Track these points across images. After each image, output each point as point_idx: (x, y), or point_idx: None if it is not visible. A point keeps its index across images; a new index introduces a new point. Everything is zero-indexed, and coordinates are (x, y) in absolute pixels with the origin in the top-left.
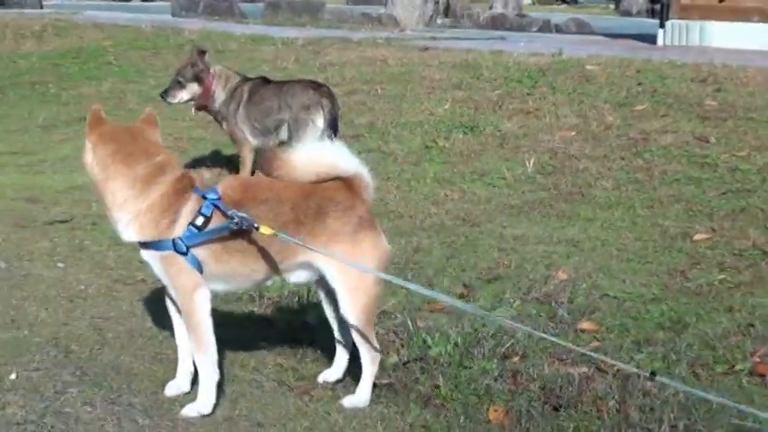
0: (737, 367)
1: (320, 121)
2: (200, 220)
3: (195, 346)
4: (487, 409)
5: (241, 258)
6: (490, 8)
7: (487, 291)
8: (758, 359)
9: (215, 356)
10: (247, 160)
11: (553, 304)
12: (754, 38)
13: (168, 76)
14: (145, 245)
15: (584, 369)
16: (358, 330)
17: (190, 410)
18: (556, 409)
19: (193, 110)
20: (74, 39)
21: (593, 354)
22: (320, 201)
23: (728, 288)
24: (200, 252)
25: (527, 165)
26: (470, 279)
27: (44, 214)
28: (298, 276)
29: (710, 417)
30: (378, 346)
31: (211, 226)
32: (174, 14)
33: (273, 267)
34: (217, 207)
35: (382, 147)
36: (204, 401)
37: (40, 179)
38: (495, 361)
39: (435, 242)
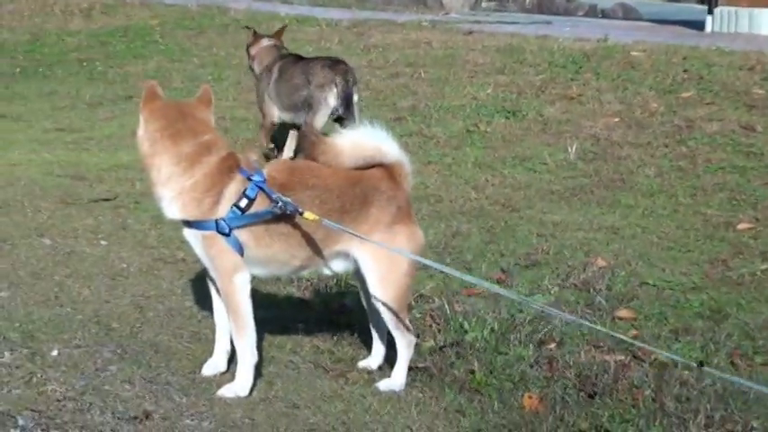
0: None
1: (332, 99)
2: (243, 202)
3: (234, 328)
4: (522, 396)
5: (283, 243)
6: None
7: (526, 277)
8: None
9: (254, 339)
10: (262, 135)
11: (591, 291)
12: None
13: (212, 55)
14: (188, 223)
15: (621, 357)
16: (391, 317)
17: (227, 391)
18: (591, 397)
19: None
20: (121, 17)
21: (633, 341)
22: (365, 189)
23: (747, 279)
24: (242, 234)
25: (569, 151)
26: (509, 264)
27: (89, 192)
28: (335, 266)
29: (747, 408)
30: (412, 331)
31: (256, 209)
32: None
33: (314, 254)
34: (262, 189)
35: (424, 130)
36: (242, 383)
37: (86, 156)
38: (531, 347)
39: (474, 227)
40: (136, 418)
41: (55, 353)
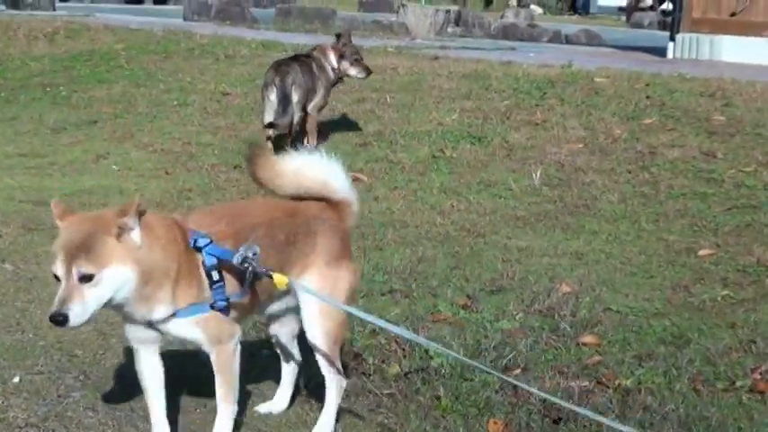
0: (738, 384)
1: (273, 96)
2: (215, 275)
3: (224, 393)
4: (487, 422)
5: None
6: (501, 18)
7: (491, 302)
8: (759, 376)
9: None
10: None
11: (556, 317)
12: (764, 53)
13: (178, 80)
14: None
15: (585, 383)
16: (325, 355)
17: None
18: (555, 423)
19: None
20: (86, 41)
21: None
22: (307, 218)
23: (731, 304)
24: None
25: (533, 176)
26: (474, 290)
27: (52, 217)
28: (279, 306)
29: None
30: (343, 374)
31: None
32: (185, 18)
33: (266, 295)
34: (217, 257)
35: (390, 156)
36: None
37: (49, 182)
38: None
39: (440, 252)
40: None
41: (16, 379)
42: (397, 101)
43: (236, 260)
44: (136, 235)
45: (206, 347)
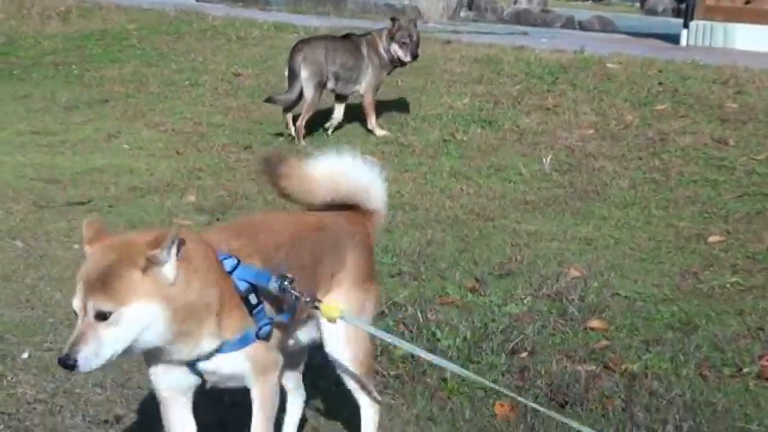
0: (745, 370)
1: (286, 73)
2: (253, 299)
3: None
4: (493, 404)
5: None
6: (514, 3)
7: (499, 286)
8: (766, 362)
9: None
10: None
11: (564, 301)
12: None
13: (190, 60)
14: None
15: (592, 367)
16: (358, 378)
17: None
18: (562, 406)
19: None
20: (98, 21)
21: None
22: (335, 233)
23: (740, 291)
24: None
25: (544, 161)
26: (482, 273)
27: (62, 195)
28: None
29: (716, 419)
30: (378, 397)
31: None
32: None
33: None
34: (252, 284)
35: (400, 139)
36: None
37: (60, 160)
38: (504, 356)
39: (449, 235)
40: (107, 421)
41: (26, 355)
42: (408, 84)
43: (272, 287)
44: (169, 269)
45: (250, 382)
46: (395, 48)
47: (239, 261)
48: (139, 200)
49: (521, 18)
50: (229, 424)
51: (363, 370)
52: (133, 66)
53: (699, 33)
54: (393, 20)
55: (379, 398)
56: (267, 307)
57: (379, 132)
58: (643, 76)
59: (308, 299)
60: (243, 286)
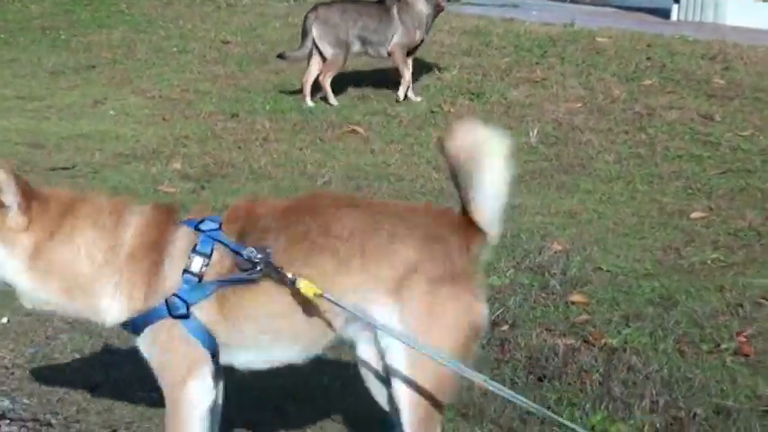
0: (723, 346)
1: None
2: (197, 264)
3: None
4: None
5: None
6: None
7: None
8: (744, 339)
9: None
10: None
11: (546, 275)
12: (766, 17)
13: (178, 27)
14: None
15: (572, 341)
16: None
17: None
18: (540, 380)
19: None
20: None
21: None
22: (395, 223)
23: (721, 267)
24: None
25: (530, 134)
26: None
27: (47, 160)
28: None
29: (692, 394)
30: None
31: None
32: None
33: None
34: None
35: (388, 109)
36: None
37: (46, 125)
38: None
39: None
40: (85, 387)
41: (5, 320)
42: None
43: (245, 253)
44: (13, 215)
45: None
46: None
47: (220, 225)
48: (124, 166)
49: None
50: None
51: (423, 414)
52: (121, 32)
53: (689, 8)
54: None
55: None
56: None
57: (414, 98)
58: (632, 50)
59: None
60: (205, 246)
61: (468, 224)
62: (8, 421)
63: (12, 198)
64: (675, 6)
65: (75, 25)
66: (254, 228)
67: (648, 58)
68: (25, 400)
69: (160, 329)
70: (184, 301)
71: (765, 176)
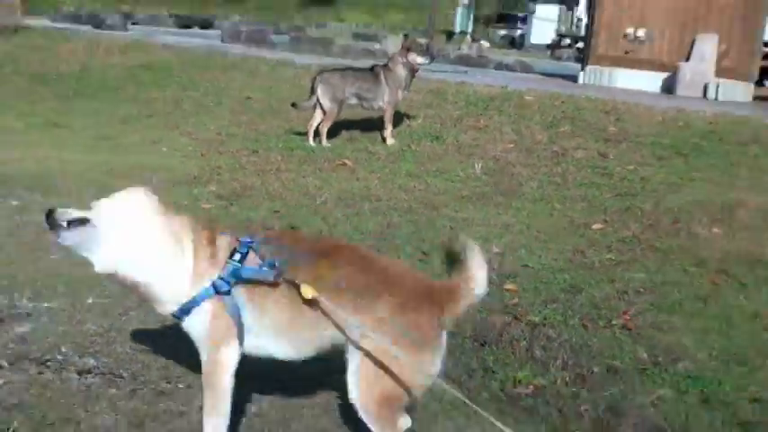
0: (613, 322)
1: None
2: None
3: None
4: None
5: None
6: (458, 49)
7: (440, 257)
8: (628, 317)
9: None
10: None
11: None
12: (645, 82)
13: (215, 87)
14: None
15: (506, 318)
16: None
17: None
18: (482, 345)
19: None
20: (148, 55)
21: None
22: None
23: (613, 265)
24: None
25: (476, 167)
26: (429, 248)
27: (119, 184)
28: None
29: (591, 357)
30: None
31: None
32: (222, 41)
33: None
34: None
35: (370, 148)
36: None
37: (117, 158)
38: None
39: (404, 220)
40: (148, 350)
41: (90, 301)
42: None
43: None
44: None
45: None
46: (413, 57)
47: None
48: (174, 189)
49: (463, 61)
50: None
51: (376, 413)
52: (172, 90)
53: (591, 75)
54: (405, 36)
55: None
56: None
57: (390, 141)
58: (550, 106)
59: (281, 273)
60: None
61: (447, 300)
62: (93, 374)
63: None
64: (582, 73)
65: (138, 86)
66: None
67: (563, 112)
68: (104, 359)
69: (205, 307)
70: (227, 282)
71: (644, 198)
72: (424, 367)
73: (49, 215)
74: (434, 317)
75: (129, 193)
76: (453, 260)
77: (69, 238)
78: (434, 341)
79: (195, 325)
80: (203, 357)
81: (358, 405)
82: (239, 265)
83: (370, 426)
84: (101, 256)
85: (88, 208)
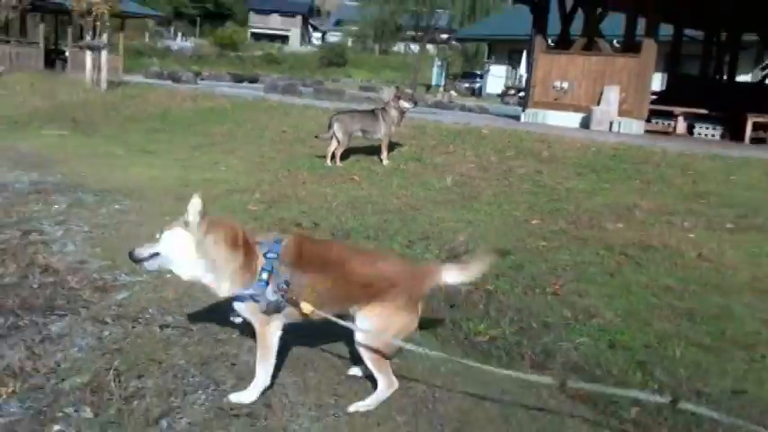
0: (547, 290)
1: (327, 124)
2: (264, 275)
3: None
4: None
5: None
6: (435, 97)
7: (421, 245)
8: (557, 286)
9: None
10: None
11: (455, 253)
12: (568, 120)
13: (258, 124)
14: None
15: (469, 286)
16: (372, 368)
17: (235, 396)
18: (451, 307)
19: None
20: (211, 101)
21: None
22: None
23: (546, 250)
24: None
25: (447, 180)
26: (413, 238)
27: (190, 193)
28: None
29: (530, 315)
30: (392, 380)
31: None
32: (264, 92)
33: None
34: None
35: (371, 167)
36: (249, 395)
37: (189, 174)
38: None
39: (395, 218)
40: (211, 316)
41: (169, 276)
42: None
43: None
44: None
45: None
46: (402, 102)
47: (278, 255)
48: (230, 196)
49: (438, 105)
50: None
51: (375, 363)
52: (228, 126)
53: (530, 115)
54: (397, 88)
55: (389, 381)
56: (270, 288)
57: (386, 162)
58: (501, 137)
59: (292, 298)
60: (268, 266)
61: (430, 278)
62: (170, 328)
63: (193, 217)
64: (523, 114)
65: (204, 123)
66: (300, 257)
67: (509, 141)
68: (178, 317)
69: (246, 303)
70: (256, 299)
71: (568, 202)
72: (409, 327)
73: (131, 255)
74: (414, 291)
75: (174, 230)
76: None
77: (150, 266)
78: (414, 309)
79: (243, 310)
80: (255, 326)
81: (362, 354)
82: (266, 286)
83: (370, 367)
84: (175, 271)
85: (158, 239)
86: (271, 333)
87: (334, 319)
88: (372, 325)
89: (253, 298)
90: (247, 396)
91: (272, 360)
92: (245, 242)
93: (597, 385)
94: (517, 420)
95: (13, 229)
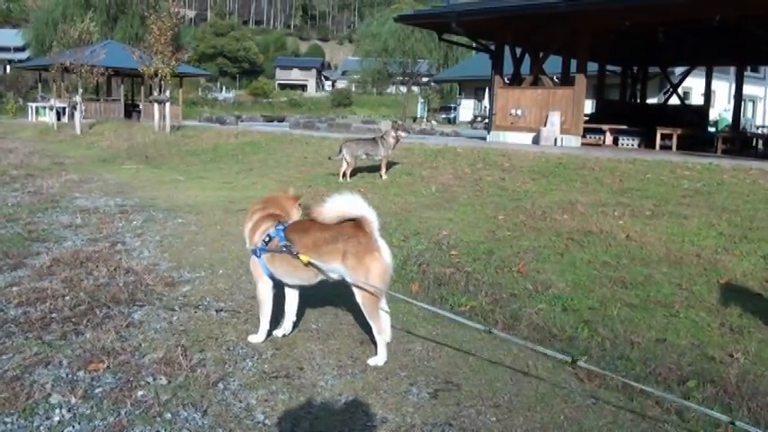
0: (513, 269)
1: (337, 148)
2: (267, 239)
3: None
4: (410, 284)
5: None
6: (420, 125)
7: (414, 239)
8: (521, 266)
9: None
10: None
11: (440, 244)
12: (523, 138)
13: (285, 152)
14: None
15: (452, 269)
16: (366, 313)
17: (251, 337)
18: (439, 286)
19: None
20: (249, 137)
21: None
22: (335, 233)
23: (511, 239)
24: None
25: (432, 188)
26: (407, 234)
27: (234, 207)
28: (334, 276)
29: (500, 289)
30: (381, 326)
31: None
32: (290, 128)
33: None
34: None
35: (373, 181)
36: (257, 337)
37: (233, 194)
38: (416, 267)
39: (393, 219)
40: (254, 297)
41: (221, 272)
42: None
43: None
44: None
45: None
46: (399, 133)
47: (284, 228)
48: None
49: (422, 132)
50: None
51: (368, 306)
52: (262, 156)
53: (494, 136)
54: (394, 122)
55: (383, 329)
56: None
57: (385, 177)
58: (472, 153)
59: (295, 251)
60: (275, 233)
61: (364, 230)
62: (223, 311)
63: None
64: (488, 135)
65: (244, 154)
66: (297, 229)
67: (478, 156)
68: (230, 303)
69: (253, 260)
70: (257, 253)
71: (526, 201)
72: (381, 265)
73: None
74: (366, 236)
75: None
76: None
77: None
78: (374, 246)
79: (250, 265)
80: (256, 283)
81: (360, 303)
82: (264, 246)
83: (365, 314)
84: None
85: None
86: (262, 289)
87: (318, 264)
88: (348, 270)
89: (255, 253)
90: (256, 338)
91: (269, 311)
92: (260, 219)
93: (608, 373)
94: (495, 370)
95: (104, 241)
